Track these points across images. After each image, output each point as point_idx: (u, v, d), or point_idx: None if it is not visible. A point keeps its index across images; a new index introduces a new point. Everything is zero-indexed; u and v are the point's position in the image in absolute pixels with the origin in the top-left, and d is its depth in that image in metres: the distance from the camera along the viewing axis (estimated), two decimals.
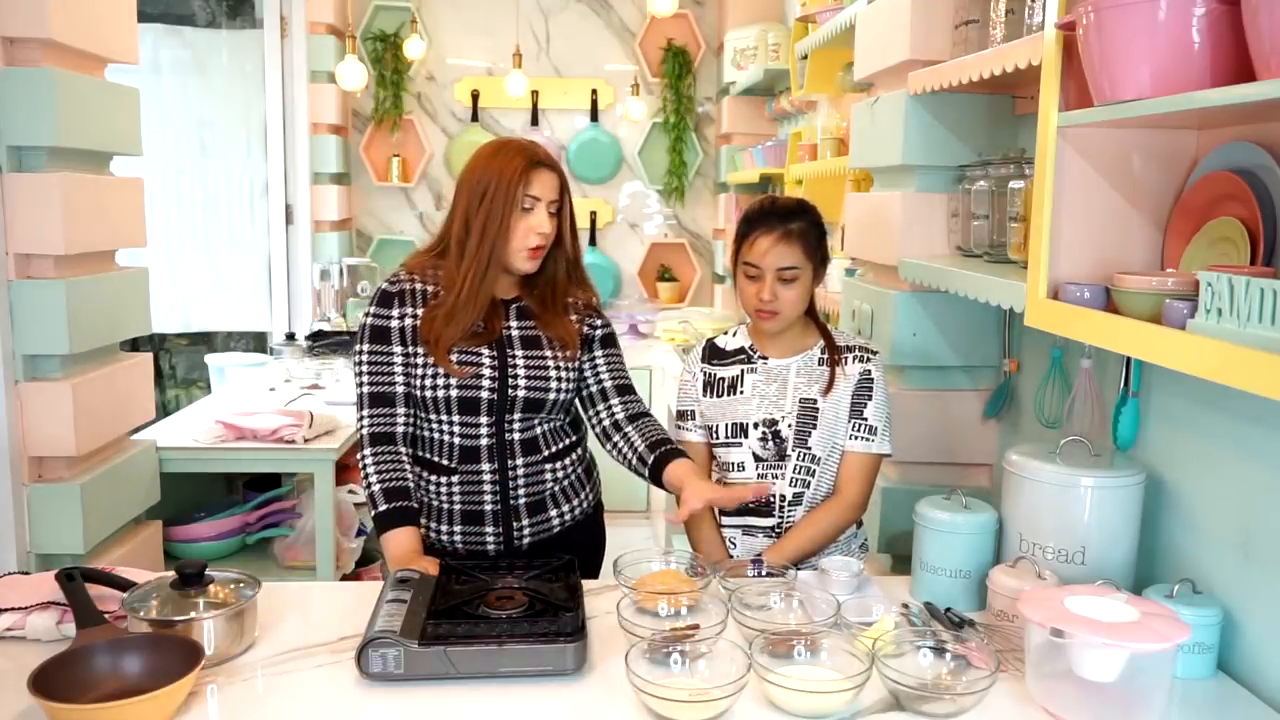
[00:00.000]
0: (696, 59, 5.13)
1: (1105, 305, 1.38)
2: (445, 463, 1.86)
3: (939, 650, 1.43)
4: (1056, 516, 1.60)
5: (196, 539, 2.99)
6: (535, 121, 5.13)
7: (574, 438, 1.96)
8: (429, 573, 1.65)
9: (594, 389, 1.94)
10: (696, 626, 1.49)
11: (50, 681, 1.24)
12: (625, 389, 1.96)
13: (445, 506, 1.88)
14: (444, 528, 1.89)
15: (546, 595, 1.56)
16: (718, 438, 1.97)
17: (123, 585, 1.56)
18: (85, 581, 1.52)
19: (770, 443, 1.92)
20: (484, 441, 1.84)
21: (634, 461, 1.88)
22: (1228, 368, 1.08)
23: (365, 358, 1.85)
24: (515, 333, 1.87)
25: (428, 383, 1.82)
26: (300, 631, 1.57)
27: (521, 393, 1.83)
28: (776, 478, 1.93)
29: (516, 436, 1.85)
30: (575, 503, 1.95)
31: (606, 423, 1.93)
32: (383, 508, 1.79)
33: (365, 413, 1.85)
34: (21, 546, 2.21)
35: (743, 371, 1.97)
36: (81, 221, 2.21)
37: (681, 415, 2.03)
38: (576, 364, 1.91)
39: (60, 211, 2.13)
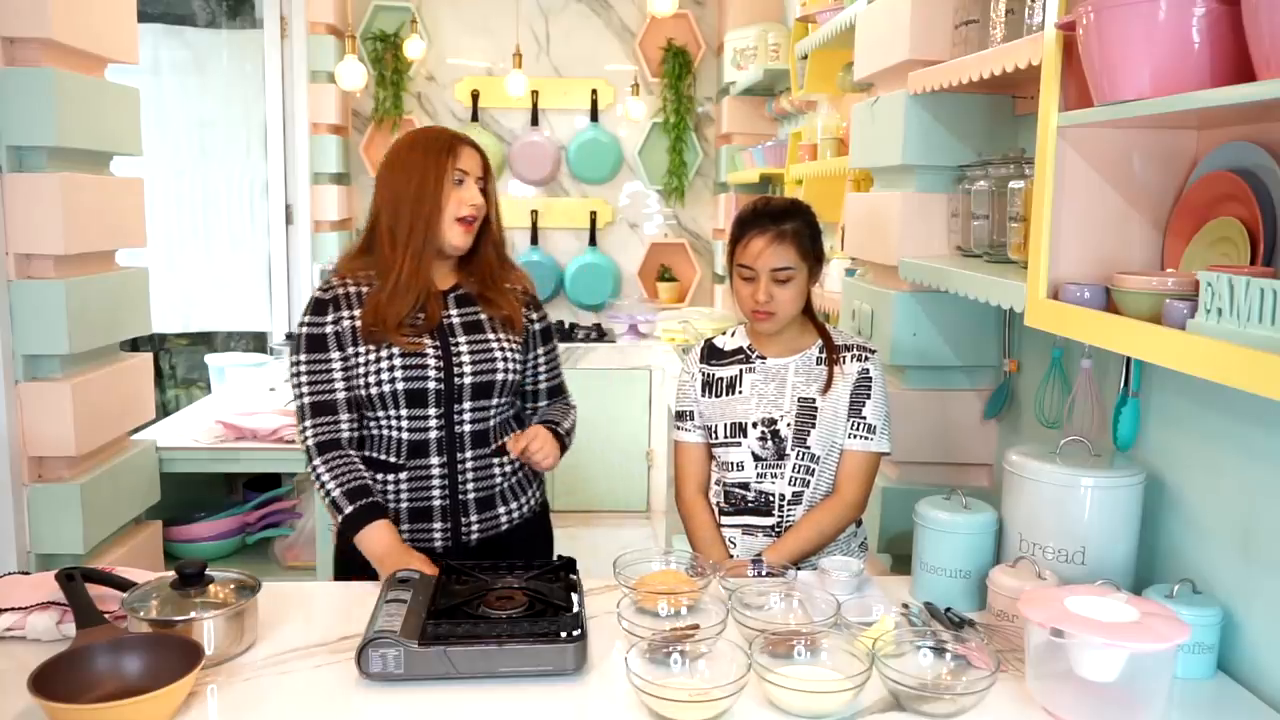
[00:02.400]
0: (696, 59, 5.13)
1: (1105, 305, 1.38)
2: (392, 459, 1.85)
3: (939, 650, 1.43)
4: (1056, 516, 1.60)
5: (196, 539, 2.99)
6: (535, 121, 5.13)
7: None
8: (425, 571, 1.66)
9: (528, 388, 1.99)
10: (696, 626, 1.49)
11: (50, 681, 1.24)
12: (557, 390, 2.05)
13: (392, 504, 1.86)
14: None
15: (546, 595, 1.56)
16: (717, 438, 1.97)
17: (123, 585, 1.56)
18: (85, 581, 1.52)
19: (769, 442, 1.92)
20: (433, 435, 1.84)
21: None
22: (1228, 368, 1.08)
23: (304, 367, 1.84)
24: (456, 320, 1.87)
25: (372, 379, 1.81)
26: (300, 631, 1.57)
27: (468, 379, 1.83)
28: (776, 477, 1.93)
29: (467, 428, 1.86)
30: (523, 500, 1.96)
31: (531, 420, 1.99)
32: (349, 509, 1.78)
33: (308, 423, 1.84)
34: (21, 546, 2.21)
35: (741, 371, 1.97)
36: (81, 221, 2.22)
37: (680, 416, 2.03)
38: (521, 344, 1.92)
39: (60, 211, 2.13)
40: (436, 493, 1.86)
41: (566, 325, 5.05)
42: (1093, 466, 1.59)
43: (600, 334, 4.92)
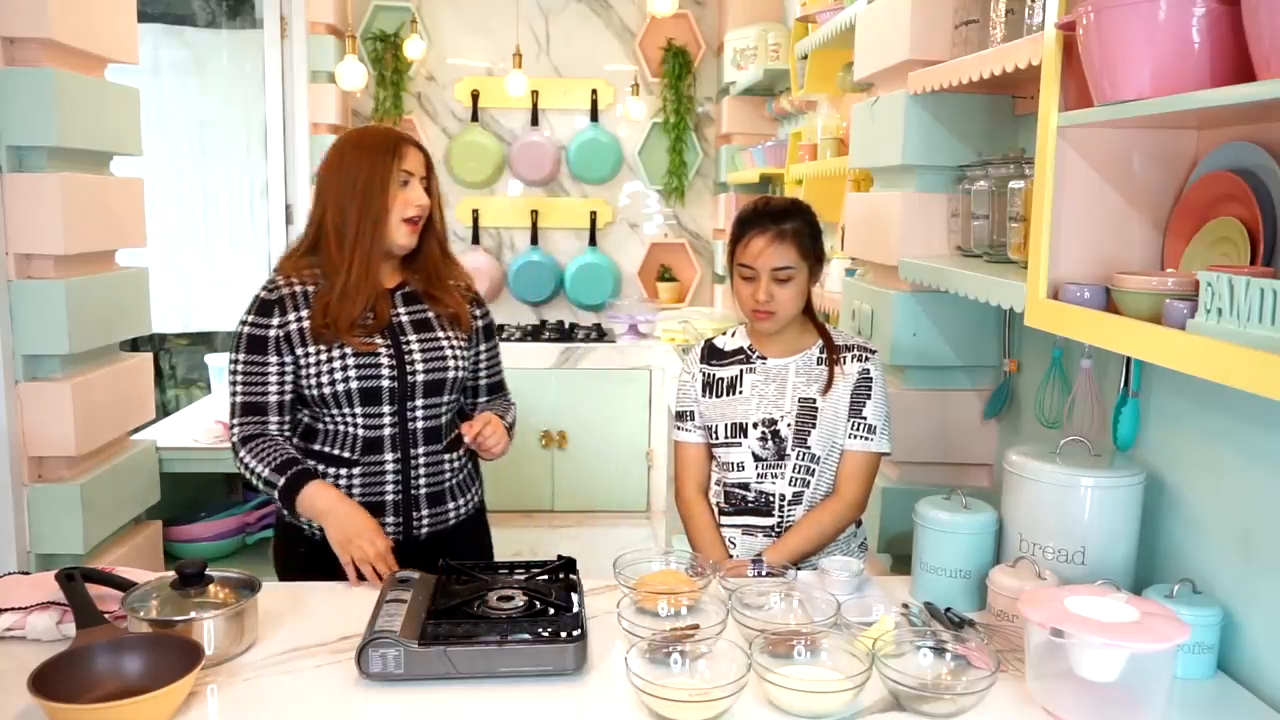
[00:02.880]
0: (696, 59, 5.13)
1: (1105, 305, 1.38)
2: (347, 454, 1.87)
3: (939, 650, 1.43)
4: (1056, 516, 1.60)
5: (196, 539, 2.99)
6: (535, 121, 5.13)
7: None
8: (377, 543, 1.72)
9: (469, 384, 2.02)
10: (696, 626, 1.49)
11: (50, 681, 1.24)
12: (498, 387, 2.08)
13: None
14: None
15: (546, 595, 1.56)
16: (717, 438, 1.97)
17: (123, 585, 1.56)
18: (85, 581, 1.52)
19: (769, 442, 1.92)
20: (387, 431, 1.86)
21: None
22: (1228, 368, 1.08)
23: (240, 367, 1.84)
24: (405, 318, 1.89)
25: (325, 379, 1.82)
26: (300, 631, 1.57)
27: (421, 376, 1.86)
28: (776, 477, 1.93)
29: (420, 425, 1.88)
30: (468, 497, 2.00)
31: (470, 414, 2.02)
32: (282, 481, 1.79)
33: (236, 420, 1.85)
34: (21, 546, 2.21)
35: (741, 372, 1.97)
36: (81, 221, 2.22)
37: (680, 416, 2.03)
38: (467, 340, 1.96)
39: (60, 211, 2.13)
40: (390, 488, 1.88)
41: (566, 325, 5.05)
42: (1093, 466, 1.59)
43: (600, 334, 4.92)
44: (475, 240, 5.16)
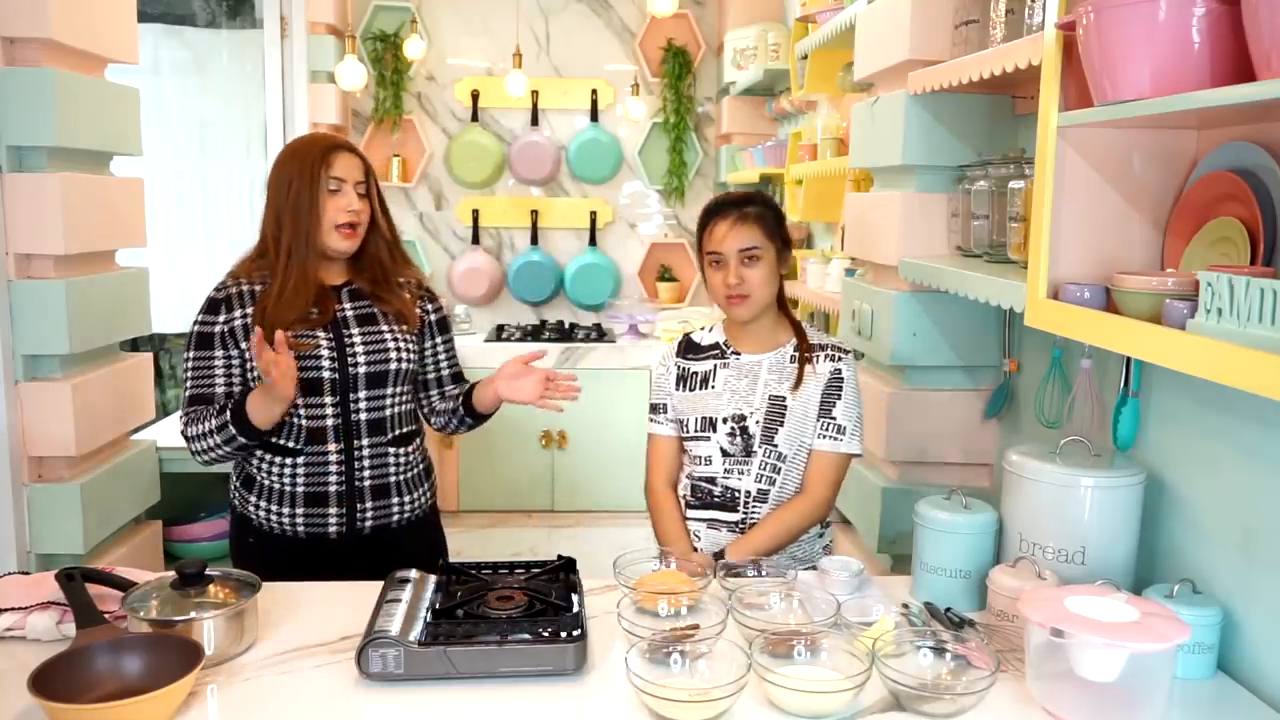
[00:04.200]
0: (696, 59, 5.13)
1: (1105, 305, 1.38)
2: (291, 444, 1.90)
3: (939, 650, 1.43)
4: (1056, 516, 1.60)
5: (196, 539, 2.99)
6: (535, 121, 5.13)
7: (415, 426, 2.03)
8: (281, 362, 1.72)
9: (430, 375, 2.05)
10: (696, 626, 1.49)
11: (50, 681, 1.24)
12: (458, 377, 2.11)
13: (288, 489, 1.91)
14: (285, 510, 1.91)
15: (546, 595, 1.56)
16: (688, 431, 1.99)
17: (123, 585, 1.56)
18: (85, 581, 1.52)
19: (738, 438, 1.93)
20: (330, 422, 1.89)
21: (453, 407, 2.06)
22: (1228, 368, 1.08)
23: (191, 363, 1.90)
24: (350, 313, 1.93)
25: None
26: (300, 631, 1.57)
27: (362, 369, 1.90)
28: (743, 474, 1.94)
29: (364, 416, 1.91)
30: (415, 495, 2.01)
31: (437, 405, 2.08)
32: (228, 415, 1.82)
33: (184, 411, 1.91)
34: (21, 546, 2.21)
35: (715, 366, 1.99)
36: (81, 221, 2.22)
37: (654, 408, 2.05)
38: (416, 336, 1.99)
39: (60, 211, 2.13)
40: (333, 479, 1.91)
41: (566, 325, 5.05)
42: (1093, 466, 1.59)
43: (600, 334, 4.92)
44: (475, 240, 5.16)
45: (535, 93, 5.06)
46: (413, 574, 1.62)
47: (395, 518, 1.97)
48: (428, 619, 1.46)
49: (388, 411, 1.94)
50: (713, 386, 1.97)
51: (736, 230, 1.89)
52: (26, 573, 1.79)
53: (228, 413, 1.82)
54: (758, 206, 1.92)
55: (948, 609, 1.64)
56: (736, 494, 1.94)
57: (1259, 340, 1.05)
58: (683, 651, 1.39)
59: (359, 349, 1.90)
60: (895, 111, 2.16)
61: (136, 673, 1.33)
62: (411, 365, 1.96)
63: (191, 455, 1.90)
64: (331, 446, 1.90)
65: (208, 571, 1.54)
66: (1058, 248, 1.48)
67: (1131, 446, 1.68)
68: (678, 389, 2.01)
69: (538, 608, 1.52)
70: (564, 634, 1.43)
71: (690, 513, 2.00)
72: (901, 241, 2.16)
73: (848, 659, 1.39)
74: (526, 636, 1.42)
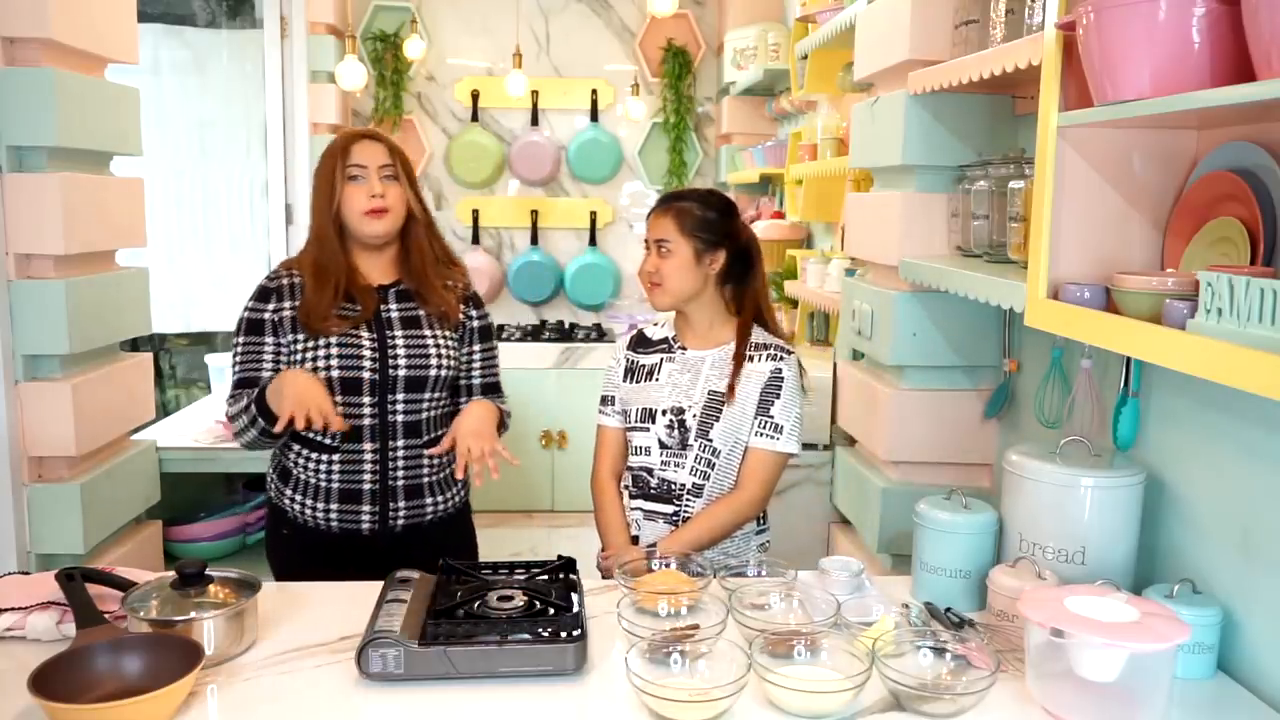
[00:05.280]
0: (696, 59, 5.13)
1: (1105, 305, 1.38)
2: (327, 441, 1.92)
3: (939, 650, 1.43)
4: (1056, 516, 1.60)
5: (196, 539, 2.99)
6: (535, 121, 5.13)
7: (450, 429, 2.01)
8: (326, 405, 1.74)
9: (462, 383, 2.04)
10: (696, 626, 1.49)
11: (50, 681, 1.24)
12: (492, 388, 2.08)
13: (324, 484, 1.92)
14: (320, 505, 1.93)
15: (546, 595, 1.56)
16: (629, 422, 2.03)
17: (123, 585, 1.56)
18: (85, 581, 1.52)
19: (675, 431, 1.97)
20: (367, 421, 1.91)
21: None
22: (1228, 368, 1.08)
23: (240, 348, 1.94)
24: (395, 314, 1.95)
25: (308, 366, 1.87)
26: (300, 631, 1.57)
27: (402, 371, 1.90)
28: (678, 466, 1.97)
29: (400, 418, 1.92)
30: (448, 495, 2.02)
31: None
32: (255, 395, 1.85)
33: (230, 394, 1.94)
34: (21, 546, 2.21)
35: (662, 360, 2.04)
36: (81, 221, 2.22)
37: (603, 400, 2.09)
38: (457, 340, 1.99)
39: (60, 211, 2.13)
40: (367, 477, 1.92)
41: (566, 325, 5.05)
42: (1093, 466, 1.59)
43: (600, 334, 4.92)
44: (475, 240, 5.16)
45: (535, 93, 5.06)
46: (413, 574, 1.62)
47: (428, 516, 1.98)
48: (428, 619, 1.46)
49: (424, 415, 1.95)
50: (657, 379, 2.02)
51: (655, 222, 1.98)
52: (26, 573, 1.79)
53: (256, 395, 1.85)
54: (686, 203, 1.97)
55: (948, 609, 1.64)
56: (672, 486, 1.98)
57: (1259, 340, 1.05)
58: (683, 651, 1.39)
59: (400, 351, 1.91)
60: (895, 111, 2.16)
61: (136, 673, 1.33)
62: (451, 372, 1.97)
63: (233, 437, 1.94)
64: (367, 446, 1.91)
65: (208, 571, 1.54)
66: (1058, 248, 1.48)
67: (1131, 446, 1.68)
68: (625, 381, 2.06)
69: (538, 608, 1.52)
70: (564, 634, 1.43)
71: (631, 502, 2.05)
72: (901, 241, 2.16)
73: (848, 659, 1.39)
74: (526, 636, 1.42)
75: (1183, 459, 1.58)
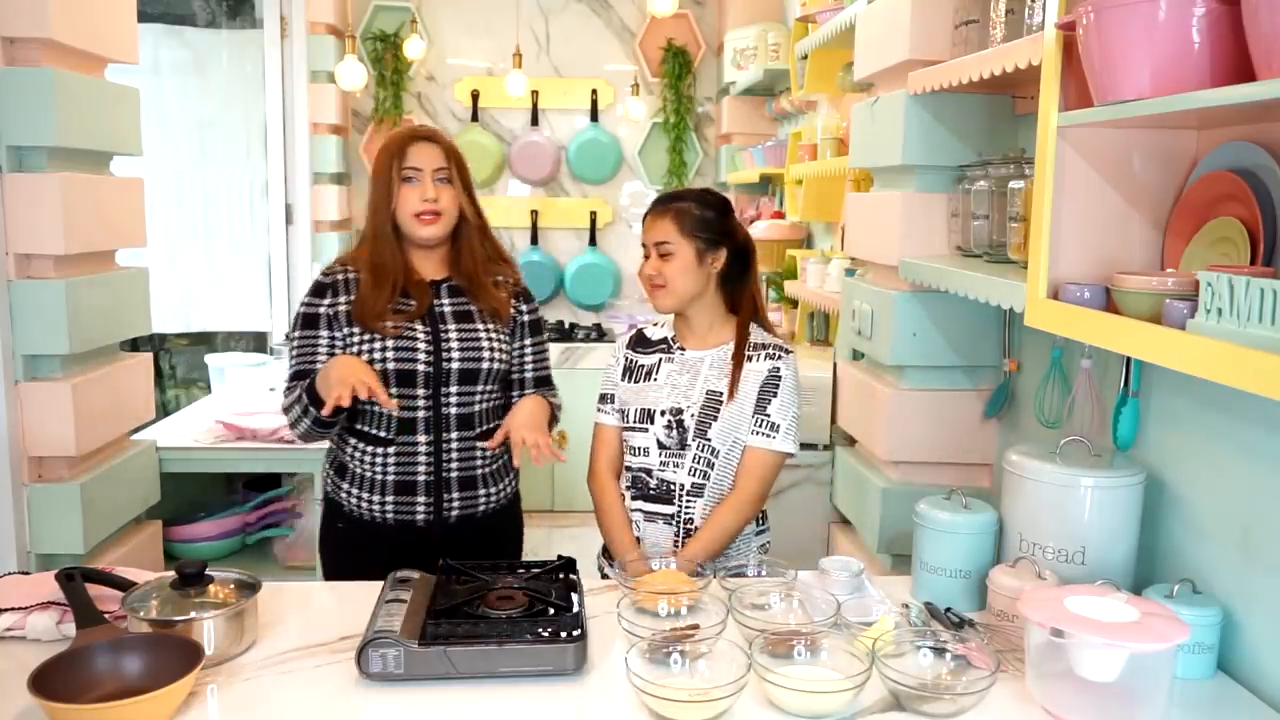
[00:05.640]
0: (696, 59, 5.13)
1: (1105, 305, 1.38)
2: (383, 434, 1.94)
3: (939, 650, 1.43)
4: (1056, 516, 1.60)
5: (196, 539, 2.99)
6: (535, 121, 5.13)
7: (502, 422, 2.01)
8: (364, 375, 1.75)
9: (514, 376, 2.06)
10: (696, 626, 1.49)
11: (50, 681, 1.24)
12: (543, 381, 2.11)
13: (380, 477, 1.94)
14: (376, 497, 1.94)
15: (546, 595, 1.56)
16: (628, 422, 2.02)
17: (123, 585, 1.56)
18: (85, 581, 1.52)
19: (674, 431, 1.96)
20: (421, 414, 1.92)
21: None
22: (1228, 368, 1.08)
23: (296, 341, 1.97)
24: (447, 309, 1.97)
25: (363, 360, 1.87)
26: (300, 631, 1.57)
27: (455, 364, 1.92)
28: (677, 467, 1.97)
29: (453, 411, 1.94)
30: (500, 487, 2.04)
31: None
32: (305, 386, 1.87)
33: (286, 385, 1.97)
34: (21, 546, 2.21)
35: (661, 360, 2.03)
36: (81, 221, 2.21)
37: (601, 398, 2.09)
38: (508, 334, 2.01)
39: (60, 211, 2.13)
40: (421, 469, 1.94)
41: (566, 325, 5.05)
42: (1093, 466, 1.59)
43: (600, 334, 4.92)
44: None
45: (535, 93, 5.07)
46: (413, 574, 1.62)
47: (481, 508, 2.00)
48: (428, 619, 1.46)
49: (477, 407, 1.96)
50: (655, 379, 2.01)
51: (653, 224, 1.97)
52: (26, 573, 1.79)
53: (305, 386, 1.87)
54: (684, 203, 1.96)
55: (948, 609, 1.64)
56: (672, 486, 1.98)
57: (1259, 340, 1.05)
58: (683, 651, 1.39)
59: (454, 345, 1.93)
60: (895, 111, 2.16)
61: (136, 673, 1.33)
62: (503, 365, 1.99)
63: (289, 429, 1.97)
64: (421, 438, 1.93)
65: (208, 571, 1.54)
66: (1058, 248, 1.48)
67: (1131, 446, 1.68)
68: (623, 380, 2.05)
69: (538, 608, 1.52)
70: (564, 634, 1.43)
71: (631, 504, 2.04)
72: (901, 241, 2.16)
73: (848, 659, 1.39)
74: (526, 636, 1.42)
75: (1183, 459, 1.58)
